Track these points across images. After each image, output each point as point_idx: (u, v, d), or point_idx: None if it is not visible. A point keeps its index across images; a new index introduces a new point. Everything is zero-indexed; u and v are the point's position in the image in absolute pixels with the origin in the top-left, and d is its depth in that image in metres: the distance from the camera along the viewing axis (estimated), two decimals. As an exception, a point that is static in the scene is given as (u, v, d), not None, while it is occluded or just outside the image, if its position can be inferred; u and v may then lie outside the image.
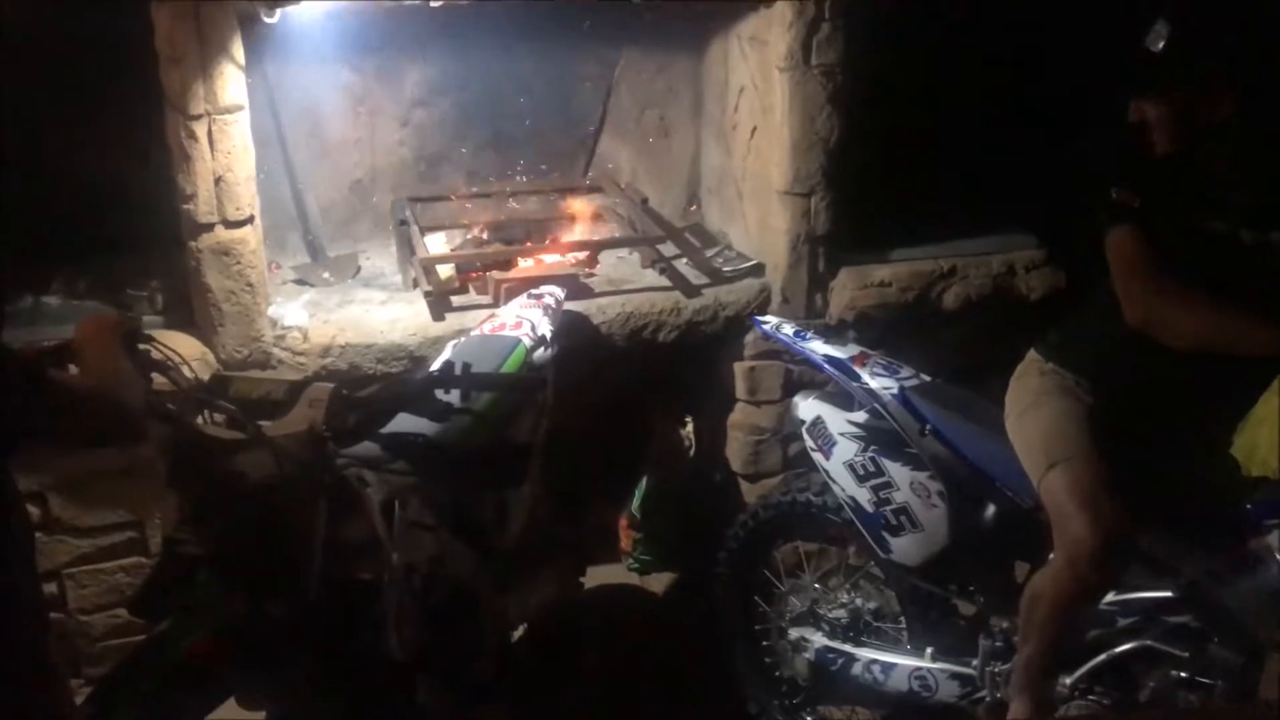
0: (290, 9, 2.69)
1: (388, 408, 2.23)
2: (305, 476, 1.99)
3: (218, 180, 2.81)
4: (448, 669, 2.36)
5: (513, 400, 2.57)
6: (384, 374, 2.99)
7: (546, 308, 2.89)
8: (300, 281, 3.36)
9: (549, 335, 2.79)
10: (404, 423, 2.31)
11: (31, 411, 1.62)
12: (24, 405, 1.61)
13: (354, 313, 3.16)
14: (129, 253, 3.20)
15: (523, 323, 2.76)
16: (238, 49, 2.78)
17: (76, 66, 3.11)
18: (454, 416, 2.37)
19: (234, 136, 2.81)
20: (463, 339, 2.82)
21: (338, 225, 3.64)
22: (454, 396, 2.40)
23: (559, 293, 3.03)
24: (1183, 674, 2.32)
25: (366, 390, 2.19)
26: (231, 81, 2.78)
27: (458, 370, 2.35)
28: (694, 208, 3.91)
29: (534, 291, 2.99)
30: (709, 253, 3.52)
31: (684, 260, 3.48)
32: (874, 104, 3.31)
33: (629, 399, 3.44)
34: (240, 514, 1.95)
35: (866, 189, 3.36)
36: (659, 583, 3.63)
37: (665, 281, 3.35)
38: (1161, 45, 2.21)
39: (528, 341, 2.70)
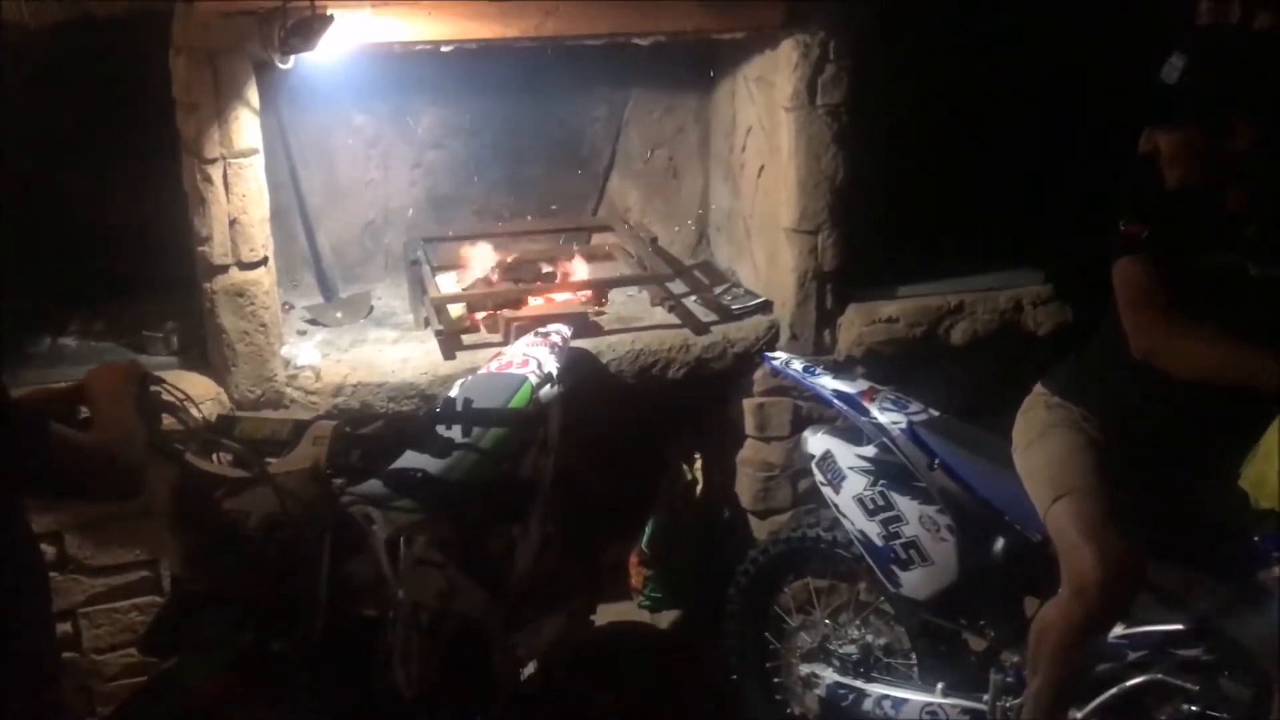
0: (304, 55, 2.74)
1: (391, 444, 2.24)
2: (310, 514, 2.01)
3: (232, 222, 2.86)
4: (456, 707, 2.35)
5: (518, 437, 2.59)
6: (395, 412, 3.01)
7: (553, 345, 2.91)
8: (313, 321, 3.40)
9: (555, 373, 2.81)
10: (408, 459, 2.33)
11: (34, 464, 1.64)
12: (27, 458, 1.63)
13: (366, 352, 3.19)
14: (145, 294, 3.26)
15: (529, 360, 2.78)
16: (253, 94, 2.83)
17: (95, 112, 3.18)
18: (457, 453, 2.38)
19: (248, 180, 2.86)
20: (470, 377, 2.84)
21: (350, 266, 3.68)
22: (456, 432, 2.41)
23: (566, 331, 3.05)
24: (1194, 708, 2.31)
25: (370, 427, 2.20)
26: (246, 126, 2.83)
27: (459, 407, 2.36)
28: (703, 245, 3.94)
29: (541, 330, 3.02)
30: (717, 290, 3.54)
31: (693, 298, 3.51)
32: (880, 142, 3.34)
33: (638, 436, 3.44)
34: (246, 552, 1.96)
35: (873, 226, 3.38)
36: (669, 620, 3.62)
37: (674, 319, 3.38)
38: (1176, 77, 2.20)
39: (534, 379, 2.71)
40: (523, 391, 2.67)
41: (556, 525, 2.79)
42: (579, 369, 3.07)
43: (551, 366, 2.81)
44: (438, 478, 2.37)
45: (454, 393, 2.70)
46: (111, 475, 1.78)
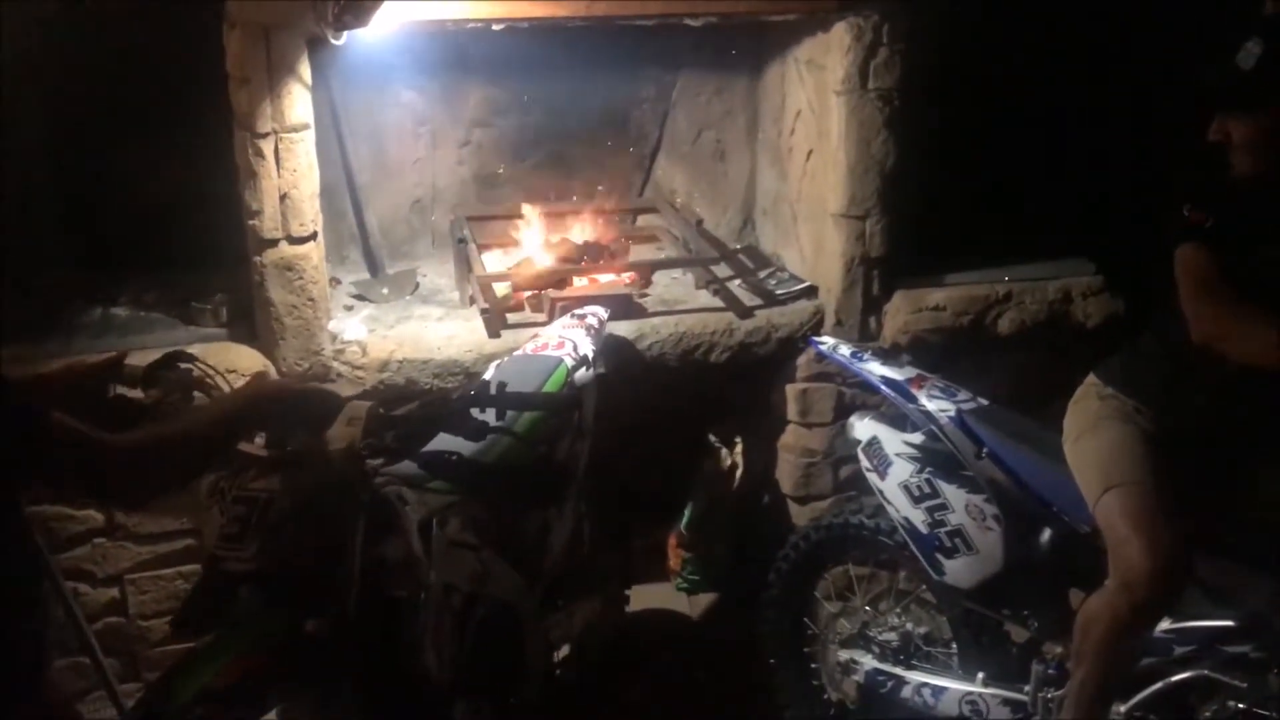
0: (356, 32, 2.75)
1: (425, 426, 2.23)
2: (344, 494, 2.01)
3: (283, 197, 2.88)
4: (488, 690, 2.34)
5: (553, 421, 2.56)
6: (431, 391, 3.02)
7: (590, 328, 2.88)
8: (360, 297, 3.42)
9: (591, 355, 2.79)
10: (442, 441, 2.30)
11: (33, 457, 1.59)
12: (21, 451, 1.58)
13: (412, 328, 3.21)
14: (196, 267, 3.28)
15: (565, 342, 2.76)
16: (305, 70, 2.85)
17: (148, 86, 3.21)
18: (491, 436, 2.35)
19: (299, 155, 2.87)
20: (506, 359, 2.83)
21: (397, 242, 3.70)
22: (490, 415, 2.37)
23: (602, 313, 3.03)
24: (1240, 705, 2.28)
25: (404, 408, 2.18)
26: (298, 101, 2.84)
27: (494, 389, 2.34)
28: (748, 230, 3.92)
29: (577, 311, 3.00)
30: (762, 274, 3.52)
31: (737, 282, 3.49)
32: (930, 128, 3.30)
33: (680, 419, 3.44)
34: (280, 531, 1.95)
35: (922, 213, 3.35)
36: (706, 603, 3.62)
37: (718, 302, 3.36)
38: (1253, 64, 2.17)
39: (570, 361, 2.69)
40: (558, 374, 2.65)
41: (591, 510, 2.79)
42: (619, 352, 3.06)
43: (587, 349, 2.79)
44: (472, 460, 2.36)
45: (489, 375, 2.68)
46: (118, 476, 1.68)
